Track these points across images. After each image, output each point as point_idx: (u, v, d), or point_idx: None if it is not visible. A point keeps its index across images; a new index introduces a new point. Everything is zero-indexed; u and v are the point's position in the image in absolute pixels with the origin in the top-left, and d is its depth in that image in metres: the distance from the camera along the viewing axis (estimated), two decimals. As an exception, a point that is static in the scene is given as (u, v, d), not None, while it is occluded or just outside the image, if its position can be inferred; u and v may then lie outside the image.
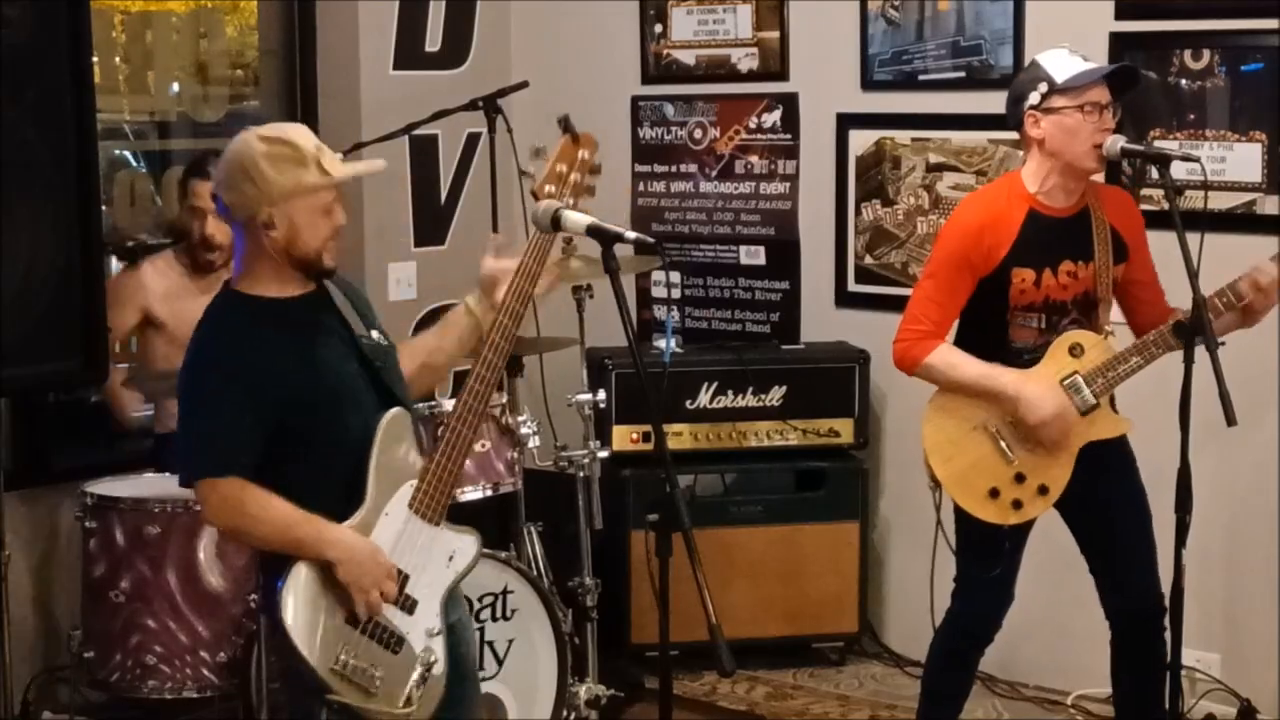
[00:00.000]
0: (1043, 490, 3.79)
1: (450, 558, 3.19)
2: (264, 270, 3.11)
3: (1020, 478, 3.78)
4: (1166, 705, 3.76)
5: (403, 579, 3.10)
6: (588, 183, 3.32)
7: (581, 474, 4.49)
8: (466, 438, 3.15)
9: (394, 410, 3.15)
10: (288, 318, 3.11)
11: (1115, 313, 3.89)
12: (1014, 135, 3.91)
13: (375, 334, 3.24)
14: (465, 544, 3.22)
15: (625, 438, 5.04)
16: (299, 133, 3.12)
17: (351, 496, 3.09)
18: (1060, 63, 3.74)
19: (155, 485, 4.43)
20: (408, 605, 3.10)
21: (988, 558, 3.84)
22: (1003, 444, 3.78)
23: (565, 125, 3.29)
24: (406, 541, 3.12)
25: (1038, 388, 3.74)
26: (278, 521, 3.02)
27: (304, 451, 3.08)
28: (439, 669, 3.12)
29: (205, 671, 4.21)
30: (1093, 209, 3.81)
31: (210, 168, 4.61)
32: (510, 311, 3.20)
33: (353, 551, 3.03)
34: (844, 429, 5.19)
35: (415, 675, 3.08)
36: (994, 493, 3.78)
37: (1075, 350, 3.77)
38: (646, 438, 5.04)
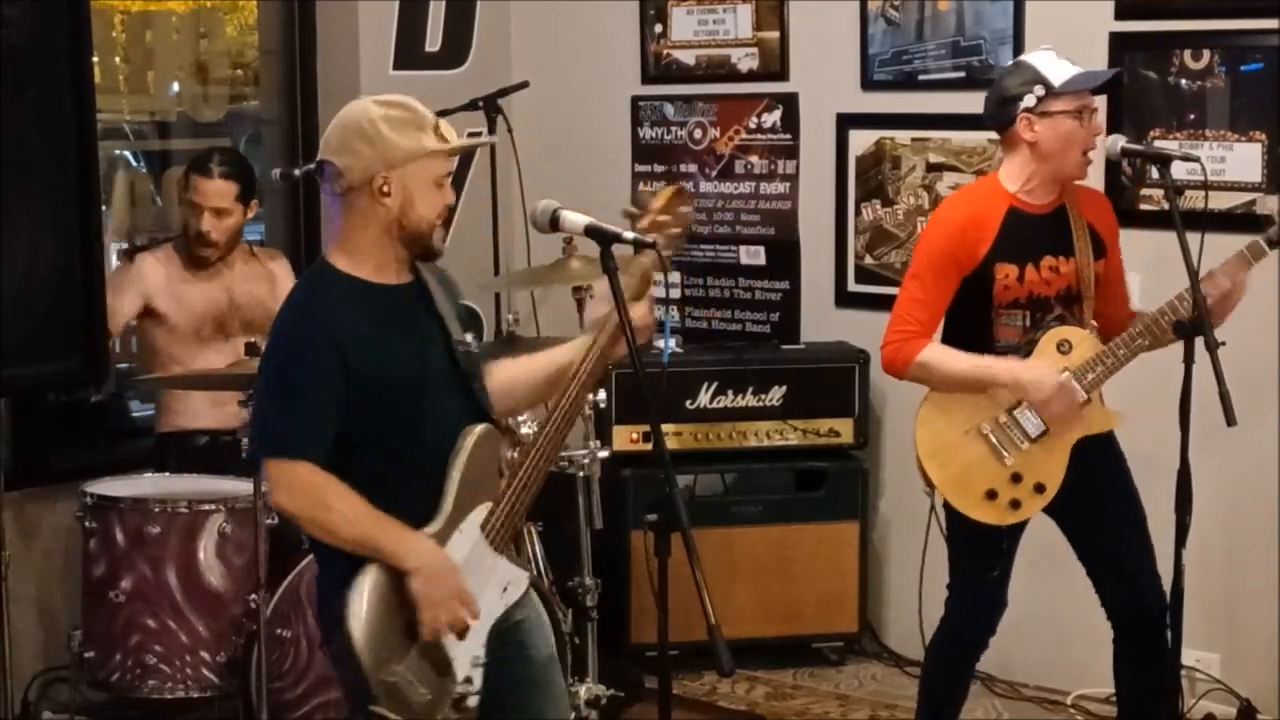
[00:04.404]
0: (1039, 488, 3.78)
1: (505, 589, 3.05)
2: (366, 247, 2.95)
3: (1016, 477, 3.78)
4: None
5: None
6: (678, 235, 3.15)
7: (581, 474, 4.49)
8: (543, 468, 3.04)
9: (486, 426, 3.02)
10: (381, 303, 2.96)
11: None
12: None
13: (471, 338, 3.08)
14: (518, 576, 3.09)
15: (625, 438, 5.04)
16: (415, 100, 3.02)
17: (426, 504, 2.95)
18: (1053, 65, 3.73)
19: (155, 485, 4.44)
20: (460, 630, 2.98)
21: (986, 559, 3.84)
22: (996, 445, 3.78)
23: (678, 180, 3.23)
24: (473, 564, 2.98)
25: (1035, 368, 3.73)
26: (358, 519, 2.87)
27: (379, 446, 2.94)
28: (474, 700, 2.99)
29: (205, 671, 4.22)
30: (1069, 206, 3.81)
31: (212, 165, 4.62)
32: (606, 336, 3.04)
33: (433, 563, 2.89)
34: (844, 429, 5.19)
35: (453, 700, 2.96)
36: (991, 494, 3.78)
37: (1063, 346, 3.77)
38: (646, 438, 5.04)
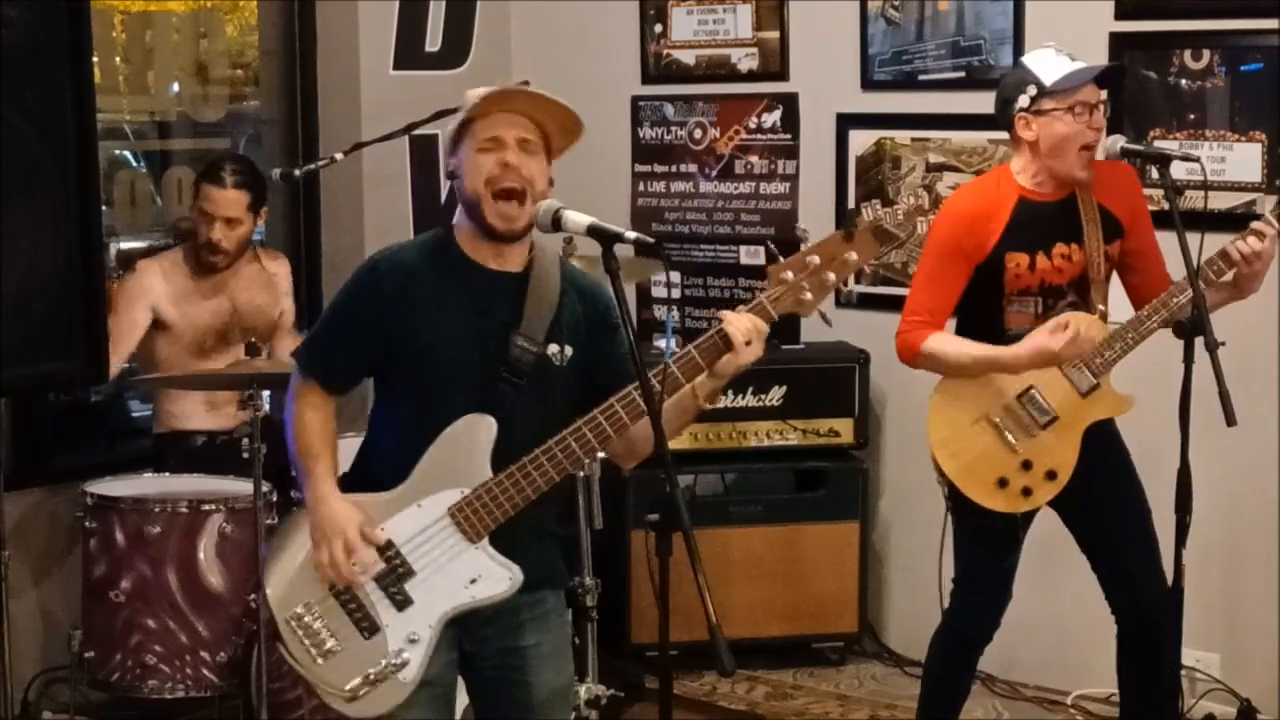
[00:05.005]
0: (1050, 475, 3.79)
1: (473, 580, 3.02)
2: (466, 229, 3.06)
3: (1027, 465, 3.78)
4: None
5: (403, 573, 3.02)
6: (833, 282, 2.97)
7: (581, 474, 4.48)
8: (547, 474, 2.98)
9: (482, 416, 3.00)
10: (463, 280, 3.03)
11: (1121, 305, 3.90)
12: (1013, 135, 3.91)
13: (556, 349, 3.05)
14: (497, 575, 3.02)
15: (625, 438, 5.04)
16: (478, 89, 3.05)
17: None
18: (1048, 64, 3.75)
19: (155, 485, 4.44)
20: (398, 600, 3.02)
21: (1000, 548, 3.85)
22: (1007, 434, 3.78)
23: (848, 220, 2.97)
24: (427, 541, 3.02)
25: (1034, 338, 3.72)
26: (300, 439, 3.09)
27: (396, 408, 3.08)
28: (407, 675, 3.01)
29: (205, 671, 4.22)
30: (1079, 191, 3.82)
31: (224, 173, 4.64)
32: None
33: (315, 506, 3.03)
34: (844, 429, 5.19)
35: (373, 669, 3.00)
36: (1002, 482, 3.78)
37: None
38: (646, 438, 5.03)
